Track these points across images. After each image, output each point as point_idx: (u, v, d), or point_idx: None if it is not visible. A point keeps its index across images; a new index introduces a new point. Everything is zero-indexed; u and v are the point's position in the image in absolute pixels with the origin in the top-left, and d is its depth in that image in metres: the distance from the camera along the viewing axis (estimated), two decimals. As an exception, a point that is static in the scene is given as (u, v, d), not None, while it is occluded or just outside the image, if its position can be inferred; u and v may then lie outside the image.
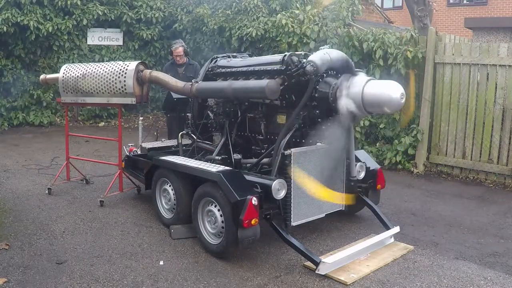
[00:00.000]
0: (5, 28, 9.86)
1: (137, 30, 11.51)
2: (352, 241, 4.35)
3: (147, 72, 5.31)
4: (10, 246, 4.20)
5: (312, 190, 4.03)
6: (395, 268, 3.87)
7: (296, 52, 4.36)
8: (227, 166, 4.36)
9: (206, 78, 5.08)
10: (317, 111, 4.10)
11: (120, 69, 5.35)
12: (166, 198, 4.82)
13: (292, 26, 8.42)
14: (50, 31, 10.35)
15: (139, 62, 5.43)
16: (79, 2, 10.66)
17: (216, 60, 5.12)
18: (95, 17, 10.97)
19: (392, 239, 4.38)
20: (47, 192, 5.79)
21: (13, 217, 4.94)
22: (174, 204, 4.66)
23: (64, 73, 5.83)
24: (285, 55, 4.22)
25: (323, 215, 4.37)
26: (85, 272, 3.74)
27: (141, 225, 4.81)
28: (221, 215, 3.96)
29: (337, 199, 4.39)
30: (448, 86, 6.84)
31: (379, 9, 17.22)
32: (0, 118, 10.47)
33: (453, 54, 6.75)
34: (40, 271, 3.75)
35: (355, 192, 4.60)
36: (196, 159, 4.82)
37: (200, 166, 4.29)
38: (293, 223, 4.07)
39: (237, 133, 4.95)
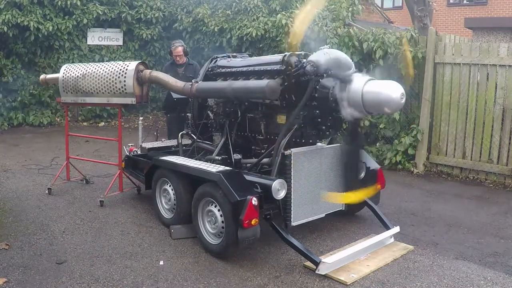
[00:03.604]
0: (5, 28, 9.85)
1: (137, 30, 11.51)
2: (352, 241, 4.35)
3: (147, 72, 5.31)
4: (10, 246, 4.20)
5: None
6: (395, 268, 3.87)
7: (296, 52, 4.36)
8: (227, 166, 4.36)
9: (206, 78, 5.08)
10: (317, 111, 4.09)
11: (120, 69, 5.35)
12: (166, 198, 4.82)
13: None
14: (50, 30, 10.35)
15: (139, 62, 5.44)
16: (79, 2, 10.66)
17: (216, 60, 5.12)
18: (95, 17, 10.98)
19: (392, 239, 4.38)
20: (47, 192, 5.79)
21: (13, 217, 4.94)
22: (174, 204, 4.66)
23: (64, 73, 5.83)
24: (285, 55, 4.22)
25: (323, 215, 4.37)
26: (85, 272, 3.74)
27: (141, 225, 4.82)
28: (221, 215, 3.96)
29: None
30: (448, 86, 6.84)
31: (379, 9, 17.22)
32: (0, 118, 10.48)
33: (453, 54, 6.75)
34: (40, 271, 3.75)
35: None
36: (196, 159, 4.82)
37: (200, 166, 4.30)
38: (293, 223, 4.07)
39: (237, 133, 4.95)
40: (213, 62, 5.13)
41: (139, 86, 5.34)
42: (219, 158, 4.84)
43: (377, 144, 7.50)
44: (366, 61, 7.52)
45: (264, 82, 4.06)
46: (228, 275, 3.73)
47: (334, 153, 4.37)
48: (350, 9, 8.87)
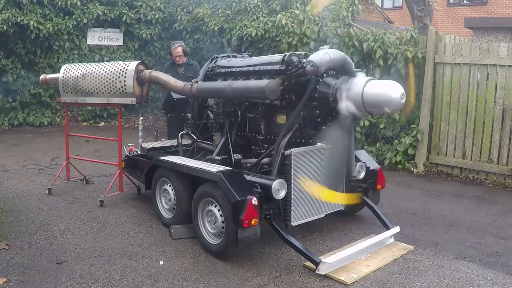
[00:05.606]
0: (5, 27, 9.84)
1: (137, 30, 11.51)
2: (352, 241, 4.35)
3: (147, 72, 5.31)
4: (10, 246, 4.20)
5: (312, 190, 4.02)
6: (395, 268, 3.87)
7: (296, 52, 4.36)
8: (227, 166, 4.36)
9: (206, 78, 5.08)
10: (317, 111, 4.10)
11: (120, 69, 5.35)
12: (166, 198, 4.82)
13: (292, 26, 8.42)
14: (50, 31, 10.36)
15: (139, 62, 5.43)
16: (79, 2, 10.66)
17: (216, 60, 5.12)
18: (95, 17, 10.98)
19: (392, 239, 4.38)
20: (47, 192, 5.79)
21: (13, 217, 4.94)
22: (174, 204, 4.66)
23: (64, 73, 5.83)
24: (285, 55, 4.22)
25: (323, 215, 4.37)
26: (85, 272, 3.74)
27: (141, 225, 4.81)
28: (221, 215, 3.96)
29: (338, 199, 4.38)
30: (448, 86, 6.84)
31: (379, 9, 17.23)
32: (0, 118, 10.47)
33: (453, 54, 6.75)
34: (40, 271, 3.75)
35: (356, 192, 4.60)
36: (196, 159, 4.82)
37: (200, 166, 4.29)
38: (293, 223, 4.07)
39: (237, 133, 4.95)
40: (213, 62, 5.14)
41: (139, 86, 5.34)
42: (219, 158, 4.84)
43: (377, 144, 7.50)
44: (366, 61, 7.52)
45: (264, 82, 4.06)
46: (228, 275, 3.73)
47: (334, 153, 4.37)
48: (350, 9, 8.88)
